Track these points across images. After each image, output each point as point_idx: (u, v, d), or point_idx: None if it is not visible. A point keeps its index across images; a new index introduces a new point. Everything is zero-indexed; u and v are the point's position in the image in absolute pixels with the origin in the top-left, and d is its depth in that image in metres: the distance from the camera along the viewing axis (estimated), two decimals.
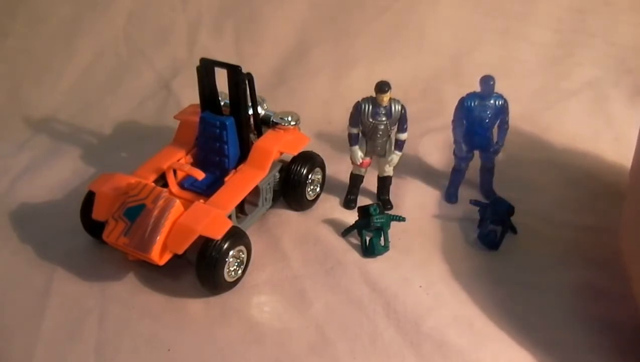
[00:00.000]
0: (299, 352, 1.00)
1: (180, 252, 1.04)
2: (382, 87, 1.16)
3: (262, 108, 1.29)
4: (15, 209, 1.29)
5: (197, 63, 1.20)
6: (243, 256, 1.10)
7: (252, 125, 1.25)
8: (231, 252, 1.06)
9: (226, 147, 1.21)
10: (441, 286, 1.11)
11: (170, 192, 1.15)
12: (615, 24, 1.79)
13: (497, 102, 1.22)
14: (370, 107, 1.19)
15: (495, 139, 1.27)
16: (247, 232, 1.12)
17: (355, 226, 1.19)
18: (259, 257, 1.15)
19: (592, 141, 1.50)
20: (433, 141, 1.50)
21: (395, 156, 1.24)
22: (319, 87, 1.70)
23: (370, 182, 1.31)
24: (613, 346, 1.00)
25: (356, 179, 1.29)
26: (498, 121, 1.25)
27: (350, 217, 1.23)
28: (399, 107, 1.19)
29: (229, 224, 1.06)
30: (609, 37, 1.78)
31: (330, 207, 1.30)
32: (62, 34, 1.76)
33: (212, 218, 1.05)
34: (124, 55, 1.77)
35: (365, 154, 1.25)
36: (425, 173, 1.40)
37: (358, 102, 1.20)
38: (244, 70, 1.16)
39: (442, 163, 1.41)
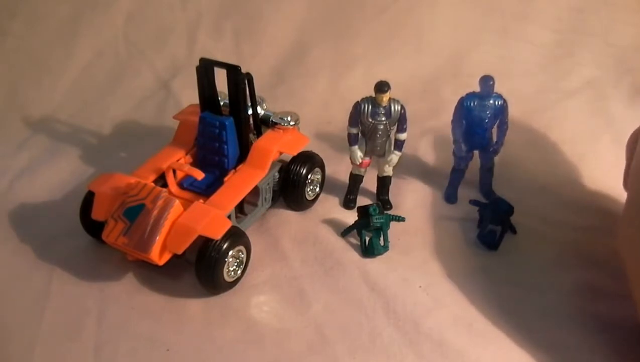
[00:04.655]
0: (298, 352, 1.00)
1: (179, 252, 1.04)
2: (382, 87, 1.16)
3: (262, 108, 1.29)
4: (15, 209, 1.29)
5: (197, 63, 1.20)
6: (242, 256, 1.10)
7: (252, 125, 1.25)
8: (230, 252, 1.06)
9: (226, 147, 1.21)
10: (441, 286, 1.11)
11: (170, 192, 1.15)
12: (615, 24, 1.79)
13: (496, 102, 1.22)
14: (370, 107, 1.19)
15: (494, 139, 1.27)
16: (247, 232, 1.12)
17: (355, 226, 1.19)
18: (258, 257, 1.15)
19: (591, 141, 1.50)
20: (432, 141, 1.50)
21: (395, 156, 1.24)
22: (319, 87, 1.70)
23: (370, 182, 1.31)
24: (612, 346, 1.00)
25: (356, 179, 1.29)
26: (497, 121, 1.25)
27: (350, 217, 1.23)
28: (399, 107, 1.19)
29: (229, 224, 1.06)
30: (609, 37, 1.78)
31: (330, 207, 1.30)
32: (62, 34, 1.76)
33: (212, 218, 1.05)
34: (123, 55, 1.77)
35: (365, 154, 1.24)
36: (425, 173, 1.40)
37: (357, 102, 1.20)
38: (244, 70, 1.16)
39: (442, 163, 1.41)
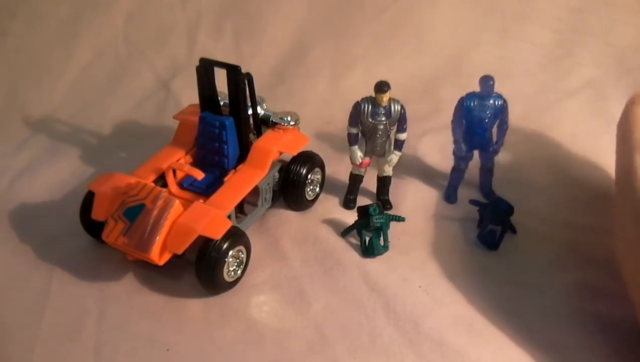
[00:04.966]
0: (298, 352, 1.00)
1: (179, 252, 1.04)
2: (382, 87, 1.16)
3: (262, 108, 1.29)
4: (15, 209, 1.29)
5: (197, 63, 1.20)
6: (242, 256, 1.10)
7: (252, 125, 1.25)
8: (230, 252, 1.06)
9: (226, 147, 1.21)
10: (440, 286, 1.11)
11: (170, 192, 1.15)
12: (615, 24, 1.79)
13: (496, 102, 1.22)
14: (370, 107, 1.19)
15: (494, 139, 1.28)
16: (247, 232, 1.12)
17: (355, 226, 1.19)
18: (258, 257, 1.15)
19: (591, 141, 1.50)
20: (432, 141, 1.50)
21: (395, 156, 1.24)
22: (319, 87, 1.70)
23: (370, 182, 1.31)
24: (612, 346, 1.00)
25: (356, 179, 1.29)
26: (497, 121, 1.25)
27: (350, 217, 1.23)
28: (399, 107, 1.19)
29: (229, 224, 1.06)
30: (609, 37, 1.78)
31: (330, 207, 1.30)
32: (62, 34, 1.76)
33: (212, 218, 1.05)
34: (123, 55, 1.77)
35: (365, 154, 1.24)
36: (425, 173, 1.40)
37: (357, 102, 1.20)
38: (244, 70, 1.16)
39: (442, 163, 1.41)
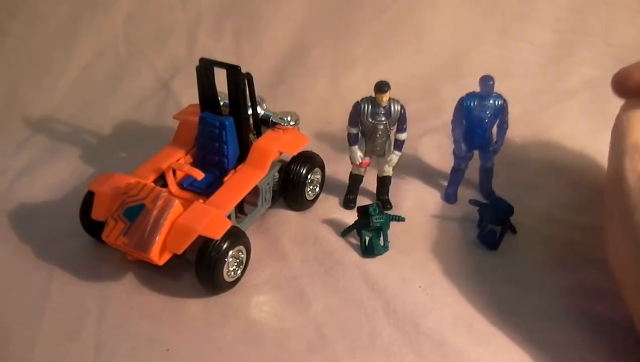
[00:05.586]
0: (298, 352, 1.00)
1: (179, 252, 1.04)
2: (382, 87, 1.16)
3: (262, 108, 1.29)
4: (15, 209, 1.29)
5: (197, 63, 1.20)
6: (242, 256, 1.10)
7: (252, 125, 1.26)
8: (230, 252, 1.06)
9: (225, 147, 1.21)
10: (440, 286, 1.11)
11: (170, 192, 1.15)
12: (615, 24, 1.79)
13: (496, 102, 1.22)
14: (370, 107, 1.19)
15: (494, 139, 1.28)
16: (247, 232, 1.12)
17: (355, 226, 1.19)
18: (258, 257, 1.15)
19: (591, 141, 1.50)
20: (432, 141, 1.50)
21: (395, 156, 1.24)
22: (319, 87, 1.70)
23: (370, 182, 1.31)
24: (612, 346, 1.00)
25: (355, 179, 1.29)
26: (497, 121, 1.25)
27: (350, 217, 1.23)
28: (398, 107, 1.19)
29: (228, 224, 1.06)
30: (608, 37, 1.78)
31: (330, 207, 1.30)
32: (62, 34, 1.76)
33: (212, 218, 1.05)
34: (123, 55, 1.77)
35: (365, 154, 1.25)
36: (425, 173, 1.40)
37: (357, 102, 1.20)
38: (244, 70, 1.16)
39: (442, 163, 1.41)
